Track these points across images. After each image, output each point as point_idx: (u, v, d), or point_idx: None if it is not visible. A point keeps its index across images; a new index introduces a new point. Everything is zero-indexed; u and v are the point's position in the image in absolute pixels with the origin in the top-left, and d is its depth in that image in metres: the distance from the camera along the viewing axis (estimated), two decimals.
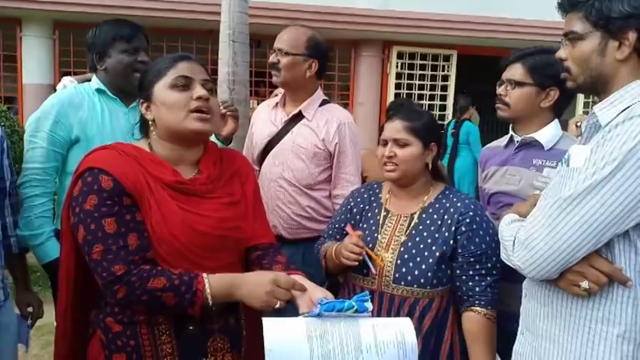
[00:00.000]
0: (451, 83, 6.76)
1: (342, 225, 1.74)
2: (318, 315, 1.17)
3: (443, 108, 6.79)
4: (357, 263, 1.55)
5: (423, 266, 1.54)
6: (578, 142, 1.28)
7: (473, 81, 7.03)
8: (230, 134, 1.96)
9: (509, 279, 1.65)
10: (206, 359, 1.34)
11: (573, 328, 1.16)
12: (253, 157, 2.28)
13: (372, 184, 1.82)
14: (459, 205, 1.59)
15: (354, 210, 1.74)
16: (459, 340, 1.58)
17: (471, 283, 1.54)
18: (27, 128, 1.89)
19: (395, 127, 1.62)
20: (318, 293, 1.26)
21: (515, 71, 1.73)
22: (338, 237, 1.75)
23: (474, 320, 1.52)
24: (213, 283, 1.25)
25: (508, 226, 1.28)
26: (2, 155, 1.76)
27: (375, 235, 1.65)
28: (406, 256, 1.57)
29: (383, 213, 1.68)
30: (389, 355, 1.15)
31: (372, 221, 1.69)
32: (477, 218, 1.56)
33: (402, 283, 1.55)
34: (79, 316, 1.40)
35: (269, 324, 1.15)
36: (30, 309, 1.90)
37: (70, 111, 1.88)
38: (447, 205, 1.61)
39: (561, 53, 1.25)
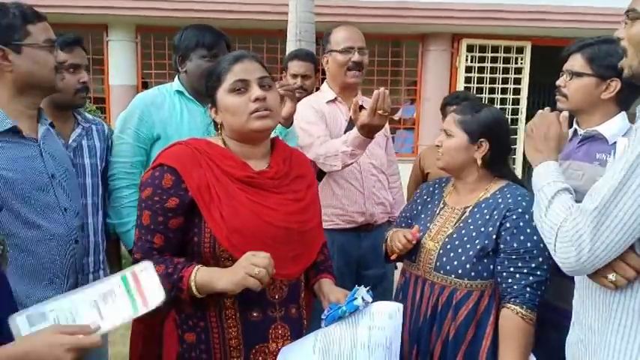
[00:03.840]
0: (525, 76, 6.51)
1: (407, 214, 1.85)
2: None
3: (516, 102, 6.56)
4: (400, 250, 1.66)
5: (463, 258, 1.57)
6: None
7: (548, 74, 6.71)
8: (289, 115, 2.04)
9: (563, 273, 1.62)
10: (267, 344, 1.42)
11: (612, 317, 1.15)
12: None
13: (442, 178, 1.87)
14: (510, 200, 1.58)
15: (418, 201, 1.83)
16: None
17: (510, 280, 1.51)
18: (116, 126, 2.08)
19: (447, 119, 1.70)
20: (331, 297, 1.47)
21: (575, 62, 1.69)
22: (403, 225, 1.84)
23: (507, 318, 1.50)
24: (199, 273, 1.32)
25: (555, 201, 1.23)
26: (107, 151, 2.00)
27: (428, 225, 1.71)
28: (448, 246, 1.60)
29: (440, 205, 1.74)
30: (378, 354, 1.37)
31: (429, 212, 1.76)
32: (526, 216, 1.52)
33: (442, 272, 1.60)
34: None
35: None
36: None
37: (153, 110, 2.03)
38: (500, 200, 1.61)
39: (619, 32, 1.19)
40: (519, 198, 1.58)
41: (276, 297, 1.44)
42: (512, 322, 1.49)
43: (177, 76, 2.15)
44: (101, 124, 2.02)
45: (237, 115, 1.41)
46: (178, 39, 2.10)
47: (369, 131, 1.91)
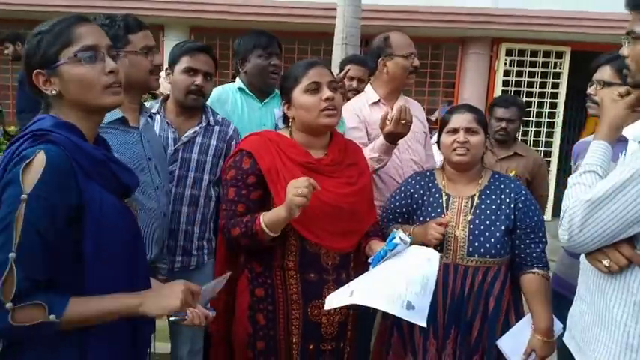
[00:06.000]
0: (563, 81, 6.56)
1: (404, 210, 2.01)
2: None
3: (554, 106, 6.62)
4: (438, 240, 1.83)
5: (492, 239, 1.81)
6: None
7: (587, 79, 6.77)
8: None
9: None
10: (321, 301, 1.71)
11: (603, 291, 1.31)
12: None
13: (424, 172, 2.07)
14: (512, 186, 1.89)
15: (415, 195, 1.99)
16: (512, 300, 1.86)
17: (528, 250, 1.82)
18: None
19: (467, 119, 1.90)
20: (377, 248, 1.68)
21: (604, 72, 1.91)
22: (400, 220, 2.02)
23: (534, 280, 1.79)
24: (265, 216, 1.59)
25: (577, 182, 1.35)
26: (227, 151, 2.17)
27: (443, 215, 1.90)
28: (476, 231, 1.83)
29: (444, 197, 1.93)
30: (414, 287, 1.51)
31: (435, 204, 1.93)
32: (528, 196, 1.87)
33: (476, 255, 1.82)
34: (232, 259, 1.85)
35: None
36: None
37: (218, 106, 2.37)
38: (502, 187, 1.89)
39: (624, 50, 1.35)
40: (516, 183, 1.91)
41: (329, 264, 1.73)
42: (539, 283, 1.79)
43: (238, 76, 2.51)
44: (226, 127, 2.21)
45: (310, 111, 1.69)
46: (237, 45, 2.47)
47: (393, 139, 2.11)
